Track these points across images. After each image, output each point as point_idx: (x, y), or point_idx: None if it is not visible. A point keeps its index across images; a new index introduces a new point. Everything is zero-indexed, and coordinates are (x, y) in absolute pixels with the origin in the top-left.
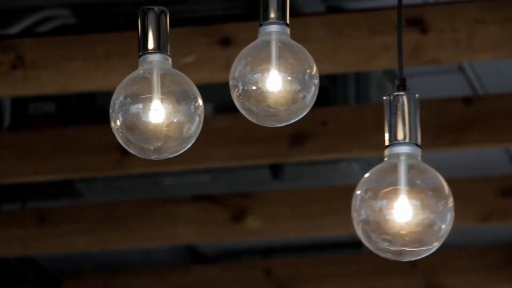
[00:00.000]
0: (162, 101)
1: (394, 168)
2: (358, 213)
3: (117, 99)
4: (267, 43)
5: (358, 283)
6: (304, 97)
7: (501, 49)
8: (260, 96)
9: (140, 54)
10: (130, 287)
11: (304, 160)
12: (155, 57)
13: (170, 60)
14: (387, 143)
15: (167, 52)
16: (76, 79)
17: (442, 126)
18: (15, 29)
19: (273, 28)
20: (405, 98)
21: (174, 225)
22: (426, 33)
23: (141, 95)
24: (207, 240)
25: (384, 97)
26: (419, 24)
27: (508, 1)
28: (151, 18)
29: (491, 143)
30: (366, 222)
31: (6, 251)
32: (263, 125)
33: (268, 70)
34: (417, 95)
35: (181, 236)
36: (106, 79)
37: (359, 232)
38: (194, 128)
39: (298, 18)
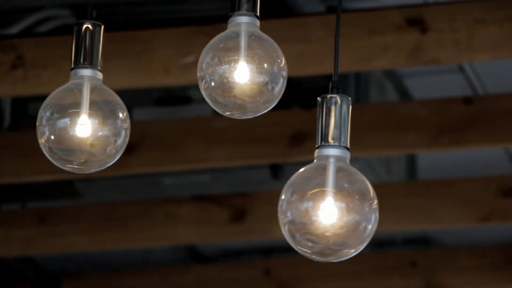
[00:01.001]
0: (89, 115)
1: (322, 169)
2: (285, 215)
3: (44, 112)
4: (236, 34)
5: (358, 283)
6: (273, 88)
7: (501, 49)
8: (227, 87)
9: (72, 67)
10: (130, 287)
11: (304, 160)
12: (86, 72)
13: (101, 75)
14: (317, 144)
15: (98, 67)
16: None
17: (442, 126)
18: (15, 29)
19: (243, 19)
20: (338, 100)
21: (174, 225)
22: (426, 33)
23: (69, 109)
24: (207, 240)
25: (318, 98)
26: (419, 24)
27: (508, 1)
28: (85, 32)
29: (491, 143)
30: (292, 223)
31: (6, 251)
32: (232, 117)
33: (236, 61)
34: (349, 98)
35: (181, 236)
36: (106, 79)
37: (285, 233)
38: (120, 142)
39: (298, 18)
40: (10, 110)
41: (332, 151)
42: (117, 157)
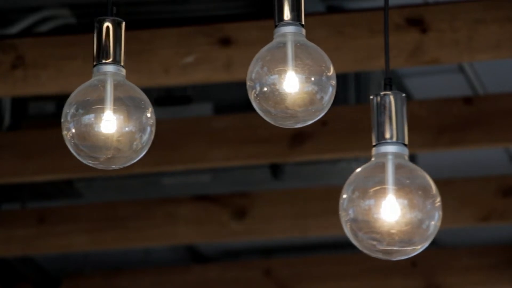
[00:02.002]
0: (114, 111)
1: (382, 167)
2: (346, 212)
3: (69, 109)
4: (283, 45)
5: (358, 283)
6: (322, 98)
7: (501, 49)
8: (278, 97)
9: (95, 64)
10: (130, 287)
11: (304, 160)
12: (109, 68)
13: (124, 71)
14: (374, 142)
15: (121, 63)
16: (76, 79)
17: (442, 126)
18: (15, 29)
19: (289, 29)
20: (392, 97)
21: (174, 225)
22: (426, 33)
23: (93, 106)
24: (207, 240)
25: (371, 97)
26: (419, 24)
27: (508, 1)
28: (107, 28)
29: (491, 143)
30: (354, 221)
31: (6, 251)
32: (282, 126)
33: (285, 71)
34: (404, 94)
35: (181, 236)
36: None
37: (347, 231)
38: (146, 138)
39: None
40: (10, 110)
41: (390, 148)
42: (143, 153)
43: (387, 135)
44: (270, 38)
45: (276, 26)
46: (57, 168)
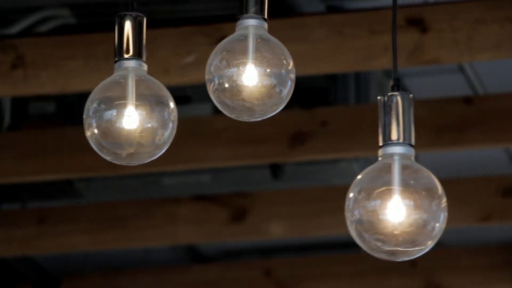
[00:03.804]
0: (136, 107)
1: (388, 168)
2: (352, 213)
3: (91, 105)
4: (244, 37)
5: (358, 283)
6: (280, 91)
7: (501, 49)
8: (235, 89)
9: (116, 59)
10: (130, 287)
11: (304, 160)
12: (131, 63)
13: (145, 66)
14: (381, 143)
15: (142, 58)
16: (76, 79)
17: (442, 126)
18: (15, 29)
19: (251, 22)
20: (399, 98)
21: (174, 225)
22: (426, 33)
23: (116, 101)
24: (207, 240)
25: (378, 97)
26: (419, 24)
27: (508, 1)
28: (128, 24)
29: (491, 143)
30: (359, 222)
31: (6, 251)
32: (239, 119)
33: (244, 63)
34: (411, 95)
35: (181, 236)
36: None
37: (353, 232)
38: (168, 134)
39: (298, 18)
40: (10, 110)
41: (397, 149)
42: (165, 149)
43: (394, 136)
44: None
45: (238, 19)
46: (57, 168)
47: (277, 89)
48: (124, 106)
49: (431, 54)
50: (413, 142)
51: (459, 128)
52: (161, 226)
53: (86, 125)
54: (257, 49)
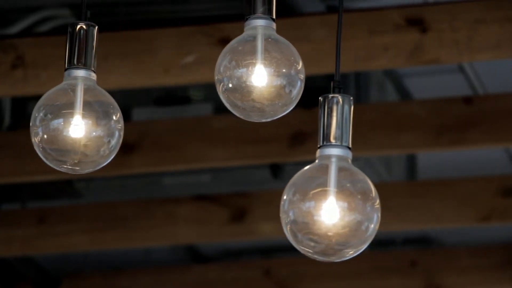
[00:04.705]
0: (83, 116)
1: (324, 169)
2: (287, 215)
3: (38, 114)
4: (253, 38)
5: (358, 283)
6: (290, 92)
7: (501, 49)
8: (245, 90)
9: (66, 68)
10: (130, 287)
11: (304, 160)
12: (80, 73)
13: (94, 76)
14: (319, 144)
15: (92, 67)
16: None
17: (442, 126)
18: (15, 29)
19: (259, 22)
20: (340, 100)
21: (174, 225)
22: (426, 33)
23: (62, 110)
24: (207, 240)
25: (320, 98)
26: (419, 24)
27: (508, 1)
28: (79, 33)
29: (491, 143)
30: (294, 222)
31: (6, 251)
32: (249, 120)
33: (253, 64)
34: (351, 98)
35: (181, 236)
36: (106, 79)
37: (287, 233)
38: (114, 143)
39: (298, 18)
40: (10, 110)
41: (334, 151)
42: (111, 158)
43: (332, 138)
44: None
45: (246, 19)
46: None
47: (287, 90)
48: (71, 115)
49: (431, 54)
50: (350, 144)
51: (459, 128)
52: (161, 226)
53: (32, 133)
54: (266, 50)
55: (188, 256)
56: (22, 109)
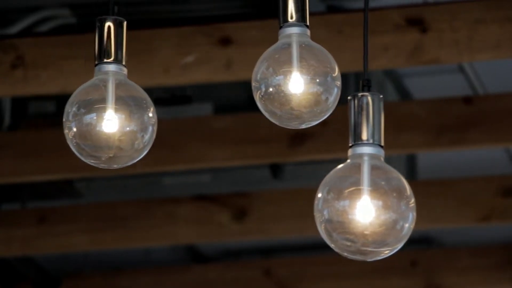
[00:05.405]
0: (115, 111)
1: (357, 168)
2: (321, 213)
3: (70, 109)
4: (288, 45)
5: (358, 283)
6: (327, 99)
7: (501, 49)
8: (283, 98)
9: (96, 63)
10: (130, 287)
11: (304, 160)
12: (111, 67)
13: (125, 70)
14: (350, 143)
15: (122, 62)
16: (76, 79)
17: (442, 126)
18: (15, 29)
19: (294, 30)
20: (369, 98)
21: (174, 225)
22: (426, 33)
23: (95, 105)
24: (207, 240)
25: (349, 97)
26: (419, 24)
27: (508, 1)
28: (108, 27)
29: (491, 143)
30: (329, 221)
31: (6, 251)
32: (287, 127)
33: (290, 72)
34: (381, 96)
35: (181, 236)
36: None
37: (321, 231)
38: (147, 137)
39: None
40: (10, 110)
41: (366, 149)
42: (145, 153)
43: (364, 136)
44: (270, 38)
45: (281, 27)
46: (57, 168)
47: (324, 97)
48: (103, 109)
49: (431, 54)
50: (382, 142)
51: (459, 128)
52: (161, 226)
53: (65, 128)
54: (301, 57)
55: (188, 256)
56: (22, 109)
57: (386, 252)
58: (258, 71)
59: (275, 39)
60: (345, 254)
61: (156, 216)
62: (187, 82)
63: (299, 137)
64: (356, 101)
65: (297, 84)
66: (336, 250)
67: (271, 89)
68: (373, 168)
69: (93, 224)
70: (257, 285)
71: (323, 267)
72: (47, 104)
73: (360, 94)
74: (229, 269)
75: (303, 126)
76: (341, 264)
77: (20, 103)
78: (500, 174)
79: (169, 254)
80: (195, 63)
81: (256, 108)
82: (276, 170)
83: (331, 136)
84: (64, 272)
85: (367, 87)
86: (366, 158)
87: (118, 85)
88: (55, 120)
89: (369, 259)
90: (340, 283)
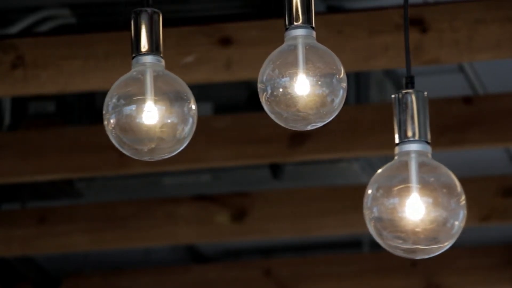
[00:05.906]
0: (155, 102)
1: (405, 165)
2: (370, 211)
3: (110, 100)
4: (294, 47)
5: (358, 283)
6: (333, 100)
7: (501, 49)
8: (289, 100)
9: (134, 55)
10: (130, 287)
11: (304, 160)
12: (148, 59)
13: (163, 61)
14: (397, 141)
15: (160, 53)
16: (76, 79)
17: (442, 126)
18: (15, 29)
19: (299, 32)
20: (413, 96)
21: (174, 225)
22: (426, 33)
23: (134, 97)
24: (207, 240)
25: (393, 95)
26: (419, 24)
27: (508, 1)
28: (144, 19)
29: (491, 143)
30: (378, 219)
31: (6, 251)
32: (293, 128)
33: (296, 74)
34: (425, 93)
35: (181, 236)
36: (106, 79)
37: (371, 229)
38: (188, 129)
39: None
40: (10, 110)
41: (413, 146)
42: (185, 144)
43: (410, 134)
44: (270, 38)
45: (286, 29)
46: (57, 168)
47: (329, 98)
48: (143, 101)
49: (431, 54)
50: (429, 139)
51: (459, 128)
52: (161, 226)
53: (105, 120)
54: (307, 59)
55: (188, 256)
56: (22, 109)
57: (436, 250)
58: (264, 73)
59: (275, 39)
60: (398, 252)
61: (156, 216)
62: (187, 82)
63: (299, 137)
64: (400, 99)
65: (303, 86)
66: (385, 247)
67: (277, 91)
68: (421, 165)
69: (93, 224)
70: (257, 285)
71: (323, 267)
72: (47, 104)
73: (404, 91)
74: (229, 269)
75: (309, 128)
76: (341, 264)
77: (20, 103)
78: (500, 174)
79: (169, 254)
80: (195, 63)
81: (256, 108)
82: (276, 170)
83: (331, 136)
84: (64, 272)
85: (410, 84)
86: (413, 155)
87: (157, 77)
88: (55, 120)
89: (419, 256)
90: (340, 283)
